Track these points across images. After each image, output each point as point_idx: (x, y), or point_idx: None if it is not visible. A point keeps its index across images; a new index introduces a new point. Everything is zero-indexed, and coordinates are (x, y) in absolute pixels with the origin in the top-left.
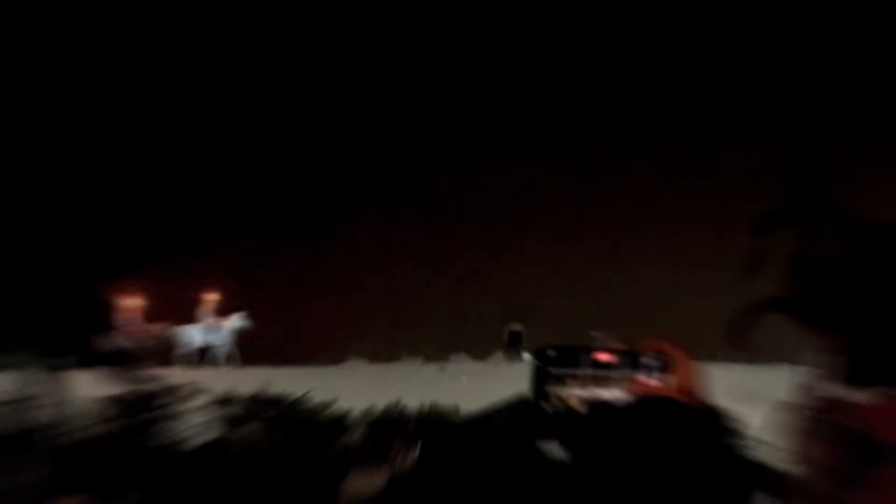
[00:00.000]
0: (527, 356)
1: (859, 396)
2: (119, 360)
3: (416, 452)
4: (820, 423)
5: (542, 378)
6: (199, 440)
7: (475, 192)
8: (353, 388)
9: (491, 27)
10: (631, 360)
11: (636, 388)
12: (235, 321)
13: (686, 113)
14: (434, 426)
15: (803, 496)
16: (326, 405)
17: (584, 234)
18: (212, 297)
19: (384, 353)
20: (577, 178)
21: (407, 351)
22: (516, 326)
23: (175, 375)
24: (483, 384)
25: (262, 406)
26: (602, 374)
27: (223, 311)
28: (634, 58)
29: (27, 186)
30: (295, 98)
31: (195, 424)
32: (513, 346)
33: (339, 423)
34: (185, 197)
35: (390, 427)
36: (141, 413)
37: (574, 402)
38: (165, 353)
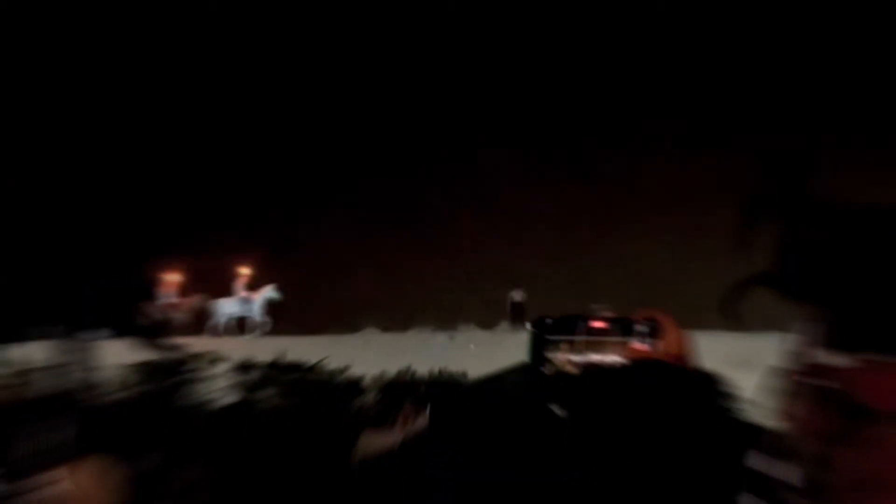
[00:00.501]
0: (528, 325)
1: (842, 361)
2: (156, 331)
3: (426, 414)
4: (806, 386)
5: (539, 345)
6: (220, 403)
7: (481, 179)
8: (368, 356)
9: (496, 27)
10: (623, 326)
11: (629, 352)
12: (267, 293)
13: (680, 108)
14: (443, 390)
15: (792, 455)
16: (341, 371)
17: (581, 216)
18: (245, 272)
19: (397, 323)
20: (576, 164)
21: (418, 321)
22: (517, 297)
23: (206, 344)
24: (490, 352)
25: (280, 371)
26: (596, 340)
27: (255, 284)
28: (630, 56)
29: (70, 162)
30: (303, 102)
31: (218, 388)
32: (516, 316)
33: (354, 386)
34: (220, 183)
35: (401, 391)
36: (167, 379)
37: (569, 366)
38: (201, 323)
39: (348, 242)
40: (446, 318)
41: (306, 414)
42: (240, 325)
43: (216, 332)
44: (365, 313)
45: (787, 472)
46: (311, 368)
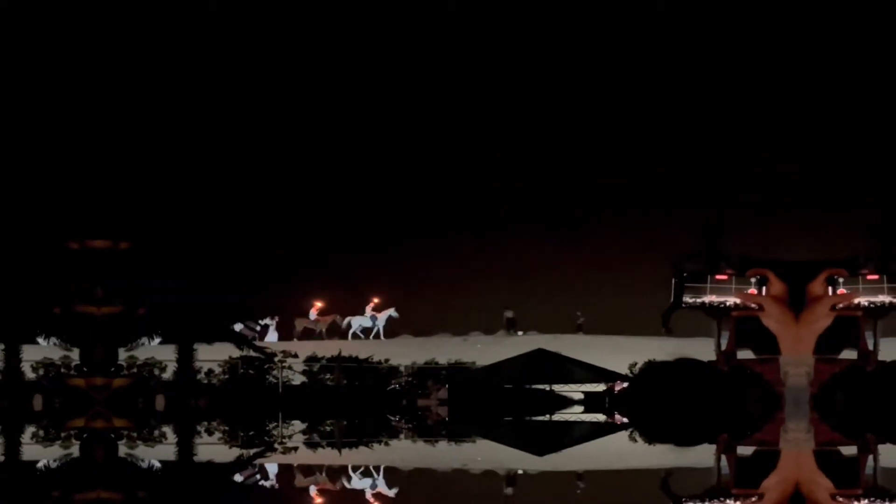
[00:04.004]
0: (520, 333)
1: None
2: (307, 337)
3: (446, 390)
4: None
5: (680, 289)
6: (296, 383)
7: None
8: (404, 352)
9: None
10: (740, 278)
11: (745, 296)
12: (390, 312)
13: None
14: (458, 374)
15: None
16: (384, 361)
17: (566, 253)
18: (374, 299)
19: (424, 330)
20: (563, 225)
21: (440, 329)
22: (509, 314)
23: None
24: (491, 349)
25: (342, 361)
26: (721, 287)
27: (379, 306)
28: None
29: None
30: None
31: (297, 372)
32: (509, 326)
33: (393, 371)
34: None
35: (427, 374)
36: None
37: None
38: (341, 332)
39: (392, 281)
40: (461, 326)
41: (359, 389)
42: (365, 333)
43: (353, 337)
44: (402, 324)
45: None
46: (364, 360)
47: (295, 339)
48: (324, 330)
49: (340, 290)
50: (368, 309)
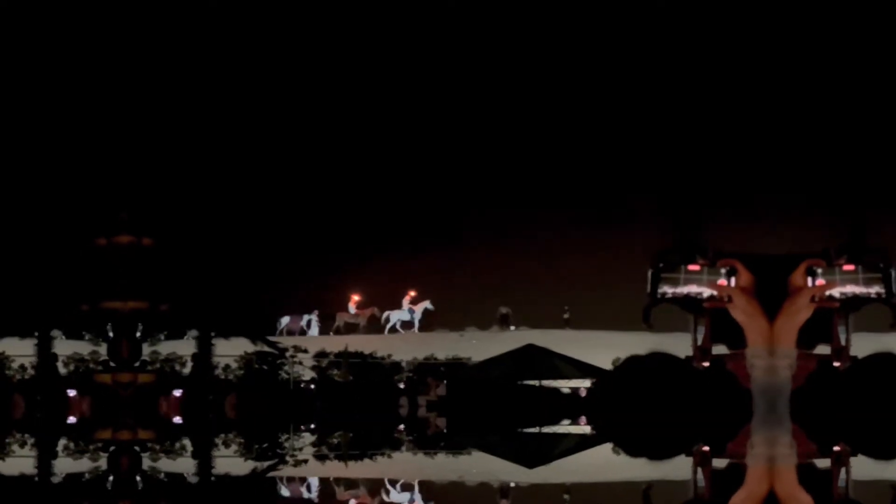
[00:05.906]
0: (512, 328)
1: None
2: (349, 331)
3: (444, 385)
4: None
5: (656, 279)
6: (307, 376)
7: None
8: (404, 347)
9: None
10: (712, 269)
11: (717, 287)
12: (425, 305)
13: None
14: (455, 369)
15: None
16: (387, 356)
17: (555, 259)
18: (410, 292)
19: (424, 326)
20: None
21: (438, 325)
22: (504, 310)
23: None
24: (485, 345)
25: (347, 357)
26: (694, 278)
27: (414, 299)
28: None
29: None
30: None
31: (309, 366)
32: (502, 323)
33: (395, 366)
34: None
35: (427, 369)
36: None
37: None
38: (378, 326)
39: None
40: (458, 323)
41: (362, 383)
42: (404, 327)
43: (387, 331)
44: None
45: None
46: (368, 355)
47: (338, 334)
48: (364, 323)
49: (340, 286)
50: (405, 302)
